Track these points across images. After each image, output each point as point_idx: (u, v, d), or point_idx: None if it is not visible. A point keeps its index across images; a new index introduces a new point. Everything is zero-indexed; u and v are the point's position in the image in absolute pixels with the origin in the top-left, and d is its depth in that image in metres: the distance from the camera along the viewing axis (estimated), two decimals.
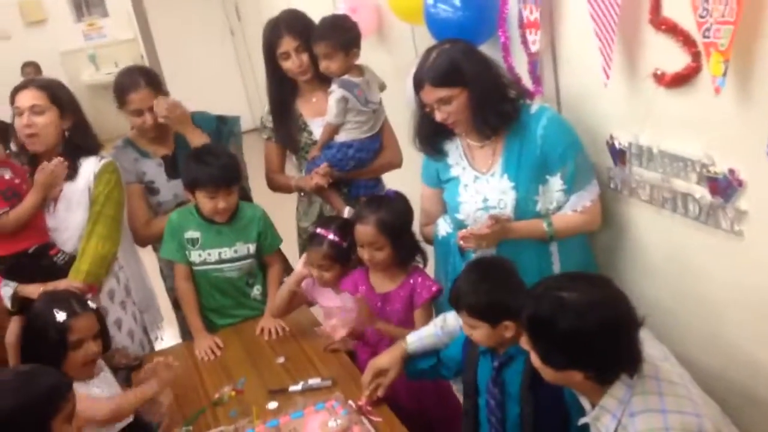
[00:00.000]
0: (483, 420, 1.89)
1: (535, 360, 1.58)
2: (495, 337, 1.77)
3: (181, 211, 2.54)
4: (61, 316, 1.81)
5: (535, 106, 2.11)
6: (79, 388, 1.83)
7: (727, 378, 1.90)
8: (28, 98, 2.33)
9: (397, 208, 2.22)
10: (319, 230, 2.30)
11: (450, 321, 2.01)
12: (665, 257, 2.05)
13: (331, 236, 2.26)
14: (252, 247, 2.54)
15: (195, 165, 2.43)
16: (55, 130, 2.37)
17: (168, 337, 2.96)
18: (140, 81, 2.55)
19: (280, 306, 2.44)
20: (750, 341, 1.83)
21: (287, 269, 2.87)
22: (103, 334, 1.98)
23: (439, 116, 2.06)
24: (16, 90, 2.37)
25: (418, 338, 2.03)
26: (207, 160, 2.41)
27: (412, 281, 2.20)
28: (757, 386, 1.85)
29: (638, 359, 1.51)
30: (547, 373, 1.57)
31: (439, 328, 2.01)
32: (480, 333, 1.78)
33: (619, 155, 2.07)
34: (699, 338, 1.97)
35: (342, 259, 2.28)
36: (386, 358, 2.01)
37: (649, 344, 1.57)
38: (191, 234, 2.50)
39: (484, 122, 2.06)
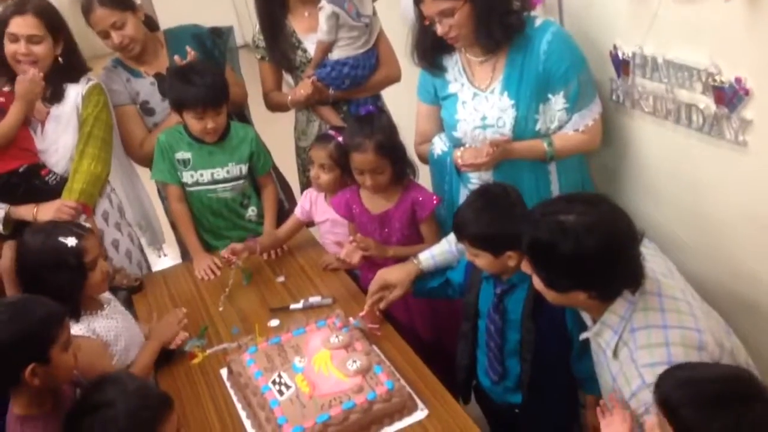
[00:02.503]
0: (481, 343, 1.91)
1: (537, 283, 1.58)
2: (498, 266, 1.77)
3: (170, 131, 2.48)
4: (71, 241, 1.78)
5: (539, 20, 2.02)
6: (95, 322, 1.86)
7: (730, 290, 1.91)
8: (26, 26, 2.24)
9: (385, 123, 2.18)
10: (330, 131, 2.29)
11: None
12: (667, 171, 2.02)
13: (340, 138, 2.24)
14: (244, 168, 2.50)
15: (180, 84, 2.34)
16: (50, 57, 2.32)
17: (168, 258, 2.97)
18: (95, 1, 2.39)
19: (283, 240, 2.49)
20: (753, 254, 1.84)
21: (284, 188, 2.87)
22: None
23: (440, 30, 1.97)
24: (11, 14, 2.24)
25: (431, 256, 2.02)
26: (192, 79, 2.32)
27: (410, 197, 2.17)
28: (758, 297, 1.86)
29: (640, 275, 1.51)
30: (551, 296, 1.57)
31: (453, 245, 2.00)
32: (483, 261, 1.77)
33: (622, 66, 2.01)
34: (701, 252, 1.97)
35: (343, 165, 2.24)
36: (396, 273, 2.00)
37: (653, 259, 1.57)
38: (182, 155, 2.45)
39: (488, 35, 1.97)
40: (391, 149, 2.11)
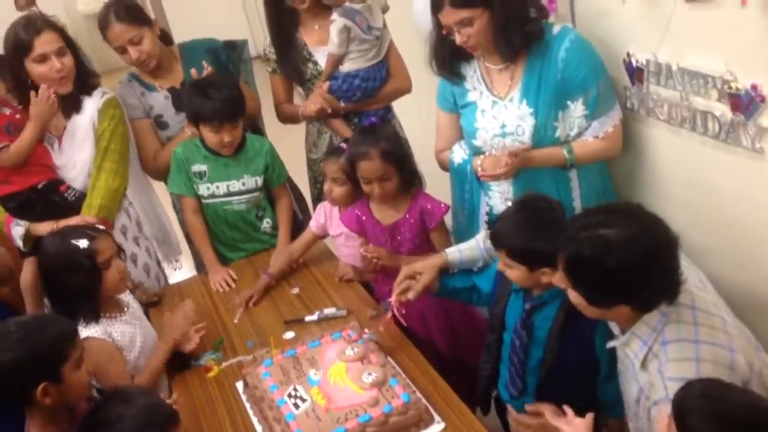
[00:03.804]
0: (504, 357, 1.88)
1: (576, 299, 1.53)
2: (530, 280, 1.73)
3: (186, 144, 2.50)
4: (83, 243, 1.81)
5: (557, 27, 2.01)
6: (112, 326, 1.87)
7: (755, 297, 1.87)
8: (51, 42, 2.27)
9: (389, 133, 2.18)
10: (342, 144, 2.29)
11: None
12: (683, 179, 2.00)
13: None
14: (260, 180, 2.51)
15: (197, 98, 2.36)
16: (74, 69, 2.34)
17: (183, 270, 2.99)
18: (112, 18, 2.41)
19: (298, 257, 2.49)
20: None
21: (298, 200, 2.87)
22: (121, 254, 1.98)
23: (459, 39, 1.96)
24: (30, 37, 2.24)
25: (458, 250, 2.00)
26: (210, 93, 2.34)
27: (419, 206, 2.17)
28: None
29: (678, 285, 1.48)
30: (591, 312, 1.54)
31: (481, 242, 1.98)
32: (516, 273, 1.74)
33: (636, 73, 2.00)
34: (723, 260, 1.93)
35: (354, 179, 2.23)
36: (422, 263, 1.97)
37: (686, 270, 1.52)
38: (198, 167, 2.47)
39: (507, 44, 1.96)
40: (397, 156, 2.11)
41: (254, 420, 1.83)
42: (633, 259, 1.41)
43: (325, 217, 2.42)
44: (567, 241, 1.50)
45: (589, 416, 1.55)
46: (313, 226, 2.46)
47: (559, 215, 1.74)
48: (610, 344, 1.61)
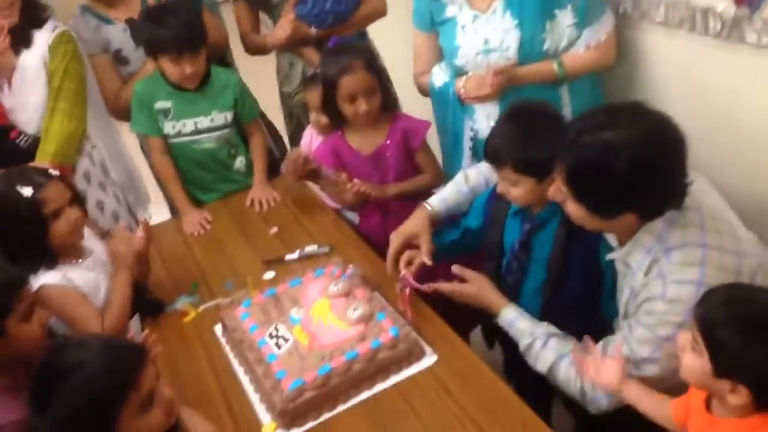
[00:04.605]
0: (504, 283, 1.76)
1: (576, 211, 1.40)
2: (537, 194, 1.58)
3: (147, 80, 2.32)
4: (27, 191, 1.65)
5: None
6: (72, 271, 1.73)
7: (762, 203, 1.77)
8: None
9: (365, 46, 2.04)
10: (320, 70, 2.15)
11: (472, 176, 1.85)
12: (684, 86, 1.88)
13: None
14: (229, 116, 2.34)
15: (152, 27, 2.16)
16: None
17: (158, 216, 2.83)
18: None
19: None
20: None
21: (274, 137, 2.72)
22: (78, 200, 1.81)
23: None
24: None
25: (440, 199, 1.85)
26: (166, 20, 2.14)
27: (400, 127, 2.04)
28: None
29: (687, 186, 1.34)
30: (594, 223, 1.41)
31: (463, 185, 1.85)
32: (522, 190, 1.59)
33: None
34: (730, 167, 1.81)
35: (330, 110, 2.09)
36: (411, 222, 1.81)
37: (692, 174, 1.41)
38: (162, 104, 2.30)
39: None
40: (377, 68, 1.99)
41: (235, 363, 1.71)
42: (641, 162, 1.27)
43: (311, 140, 2.27)
44: (567, 148, 1.35)
45: (618, 359, 1.38)
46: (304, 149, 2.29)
47: (557, 116, 1.60)
48: (610, 256, 1.49)
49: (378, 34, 2.65)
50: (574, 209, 1.41)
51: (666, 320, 1.33)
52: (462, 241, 1.86)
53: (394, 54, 2.62)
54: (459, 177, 1.88)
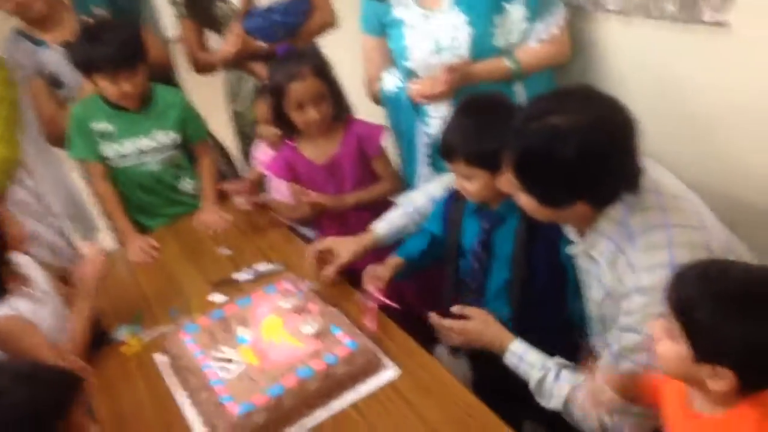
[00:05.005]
0: (463, 287, 1.66)
1: (527, 203, 1.31)
2: (493, 188, 1.49)
3: (85, 102, 2.19)
4: None
5: None
6: (18, 302, 1.58)
7: (723, 189, 1.69)
8: None
9: (314, 51, 1.96)
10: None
11: (417, 198, 1.78)
12: (640, 75, 1.81)
13: None
14: (174, 135, 2.22)
15: (87, 45, 2.05)
16: None
17: (108, 245, 2.66)
18: None
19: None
20: (745, 149, 1.62)
21: (224, 157, 2.60)
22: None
23: None
24: None
25: (386, 222, 1.79)
26: (101, 36, 2.03)
27: (354, 133, 1.95)
28: (751, 194, 1.66)
29: (640, 169, 1.26)
30: (545, 214, 1.32)
31: (409, 207, 1.78)
32: (477, 184, 1.51)
33: None
34: (691, 155, 1.74)
35: (280, 120, 1.99)
36: (345, 244, 1.76)
37: (665, 179, 1.32)
38: (101, 126, 2.16)
39: None
40: (329, 75, 1.90)
41: (184, 395, 1.55)
42: (591, 148, 1.19)
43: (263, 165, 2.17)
44: (514, 136, 1.27)
45: (604, 368, 1.27)
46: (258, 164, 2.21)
47: (510, 107, 1.51)
48: (570, 250, 1.39)
49: (328, 43, 2.57)
50: (525, 200, 1.32)
51: (648, 313, 1.21)
52: (431, 250, 1.76)
53: (348, 65, 2.54)
54: (403, 200, 1.83)
